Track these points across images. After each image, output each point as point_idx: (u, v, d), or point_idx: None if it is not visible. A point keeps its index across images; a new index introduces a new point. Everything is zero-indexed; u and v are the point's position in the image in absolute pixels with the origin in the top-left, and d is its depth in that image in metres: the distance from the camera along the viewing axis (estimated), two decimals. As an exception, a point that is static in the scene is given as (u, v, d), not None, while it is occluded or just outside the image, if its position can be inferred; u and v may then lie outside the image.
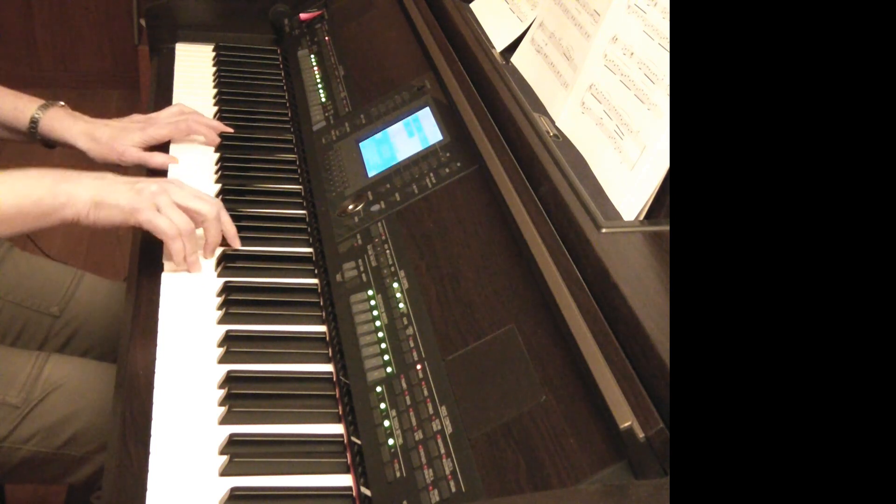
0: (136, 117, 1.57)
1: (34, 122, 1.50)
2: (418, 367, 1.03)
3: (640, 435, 0.82)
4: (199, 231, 1.28)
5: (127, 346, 1.17)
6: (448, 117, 1.36)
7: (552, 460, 0.87)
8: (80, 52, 3.78)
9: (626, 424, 0.83)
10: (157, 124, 1.53)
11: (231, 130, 1.59)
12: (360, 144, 1.44)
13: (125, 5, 3.66)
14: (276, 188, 1.49)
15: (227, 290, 1.24)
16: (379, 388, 1.04)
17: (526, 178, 1.16)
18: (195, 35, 1.91)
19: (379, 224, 1.26)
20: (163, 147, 1.54)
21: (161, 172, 1.49)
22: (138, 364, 1.13)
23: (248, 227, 1.38)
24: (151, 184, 1.26)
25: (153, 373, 1.10)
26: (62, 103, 1.54)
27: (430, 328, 1.07)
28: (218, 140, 1.56)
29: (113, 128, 1.51)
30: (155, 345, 1.15)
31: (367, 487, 0.96)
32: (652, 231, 1.06)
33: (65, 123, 1.50)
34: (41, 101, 1.52)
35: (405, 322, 1.09)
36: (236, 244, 1.31)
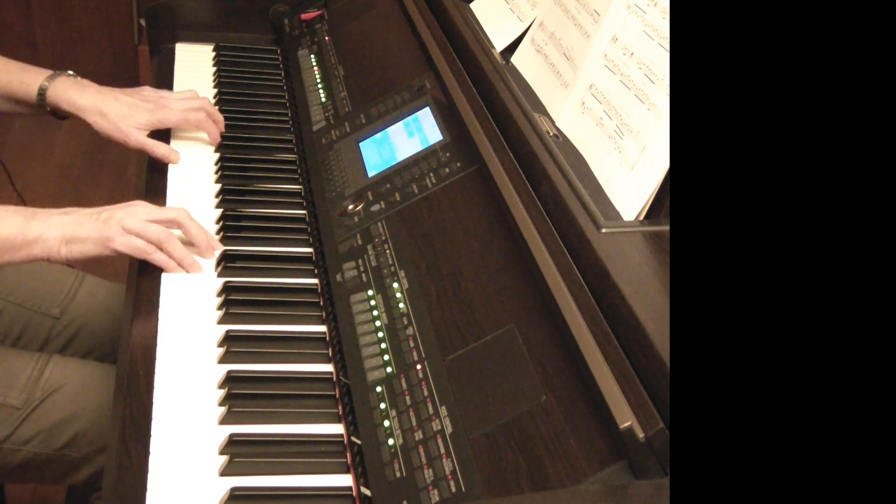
0: (148, 93, 1.55)
1: (42, 92, 1.49)
2: (418, 367, 1.03)
3: (640, 435, 0.82)
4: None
5: (127, 346, 1.17)
6: (448, 117, 1.36)
7: (552, 460, 0.87)
8: (80, 52, 3.78)
9: (626, 424, 0.83)
10: (168, 109, 1.52)
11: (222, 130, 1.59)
12: (360, 144, 1.44)
13: (125, 5, 3.66)
14: (276, 188, 1.49)
15: (227, 290, 1.24)
16: (379, 388, 1.04)
17: (526, 178, 1.16)
18: (195, 35, 1.91)
19: (379, 224, 1.26)
20: (166, 135, 1.54)
21: (161, 171, 1.49)
22: (138, 364, 1.13)
23: (248, 227, 1.38)
24: (116, 210, 1.25)
25: (153, 373, 1.11)
26: (71, 73, 1.53)
27: (430, 328, 1.07)
28: (219, 139, 1.56)
29: (123, 103, 1.49)
30: (155, 345, 1.15)
31: (367, 487, 0.96)
32: (652, 231, 1.06)
33: (71, 94, 1.49)
34: (49, 72, 1.51)
35: (405, 322, 1.09)
36: (209, 255, 1.29)
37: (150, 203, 1.31)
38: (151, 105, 1.51)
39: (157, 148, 1.50)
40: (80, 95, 1.49)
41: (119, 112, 1.48)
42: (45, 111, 1.52)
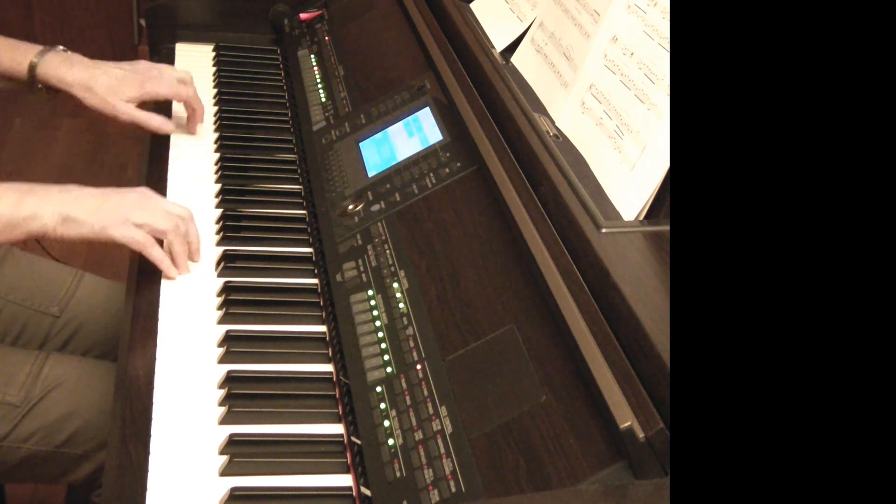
0: (142, 65, 1.53)
1: (32, 68, 1.48)
2: (418, 367, 1.03)
3: (640, 435, 0.82)
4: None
5: (127, 345, 1.17)
6: (448, 117, 1.36)
7: (552, 460, 0.87)
8: (80, 52, 3.76)
9: (626, 424, 0.83)
10: (158, 80, 1.51)
11: (198, 123, 1.58)
12: (360, 144, 1.44)
13: (125, 5, 3.66)
14: (276, 188, 1.49)
15: (227, 290, 1.24)
16: (379, 388, 1.04)
17: (526, 178, 1.16)
18: (195, 35, 1.91)
19: (379, 224, 1.26)
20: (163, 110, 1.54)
21: (161, 171, 1.49)
22: (138, 364, 1.13)
23: (248, 227, 1.38)
24: (124, 198, 1.24)
25: (153, 373, 1.11)
26: (61, 48, 1.52)
27: (430, 328, 1.07)
28: (197, 126, 1.56)
29: (111, 76, 1.48)
30: (155, 345, 1.15)
31: (367, 487, 0.96)
32: (652, 231, 1.06)
33: (61, 70, 1.48)
34: (40, 48, 1.50)
35: (405, 322, 1.09)
36: (196, 258, 1.28)
37: (156, 194, 1.30)
38: (141, 77, 1.49)
39: (151, 120, 1.48)
40: (68, 71, 1.48)
41: (107, 85, 1.46)
42: (35, 88, 1.51)
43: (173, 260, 1.25)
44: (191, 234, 1.28)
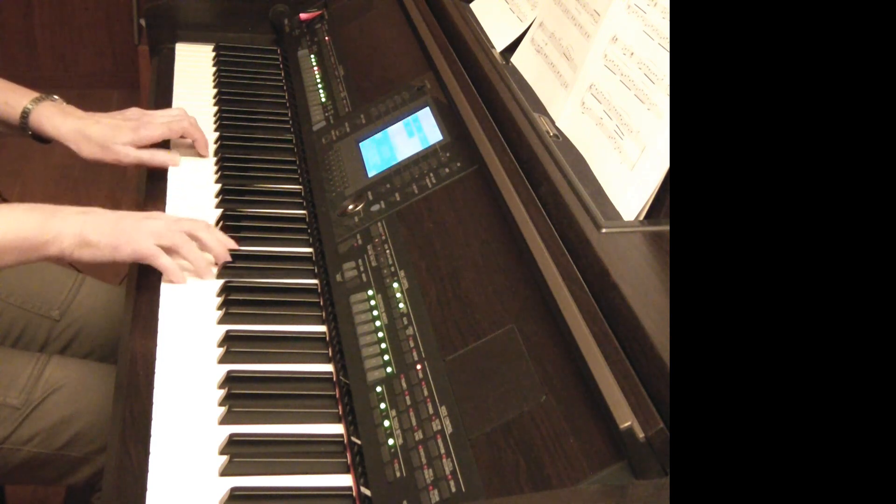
0: (132, 113, 1.52)
1: (25, 115, 1.47)
2: (418, 367, 1.03)
3: (640, 435, 0.82)
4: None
5: (127, 346, 1.17)
6: (448, 117, 1.36)
7: (552, 460, 0.87)
8: (80, 52, 3.78)
9: (626, 424, 0.83)
10: (150, 125, 1.49)
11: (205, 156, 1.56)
12: (360, 144, 1.44)
13: (125, 5, 3.66)
14: (276, 188, 1.49)
15: (227, 290, 1.24)
16: (379, 388, 1.04)
17: (526, 178, 1.16)
18: (195, 35, 1.91)
19: (379, 224, 1.26)
20: (162, 145, 1.53)
21: (161, 171, 1.48)
22: (138, 364, 1.13)
23: (248, 227, 1.38)
24: (136, 218, 1.25)
25: (153, 373, 1.11)
26: (56, 97, 1.50)
27: (430, 328, 1.07)
28: (205, 152, 1.54)
29: (104, 125, 1.46)
30: (155, 345, 1.15)
31: (367, 487, 0.96)
32: (652, 231, 1.06)
33: (54, 120, 1.46)
34: (34, 95, 1.48)
35: (405, 322, 1.09)
36: (222, 260, 1.28)
37: (170, 215, 1.31)
38: (134, 122, 1.48)
39: (156, 156, 1.48)
40: (63, 122, 1.46)
41: (102, 133, 1.45)
42: (26, 134, 1.49)
43: (195, 267, 1.25)
44: (210, 243, 1.27)
